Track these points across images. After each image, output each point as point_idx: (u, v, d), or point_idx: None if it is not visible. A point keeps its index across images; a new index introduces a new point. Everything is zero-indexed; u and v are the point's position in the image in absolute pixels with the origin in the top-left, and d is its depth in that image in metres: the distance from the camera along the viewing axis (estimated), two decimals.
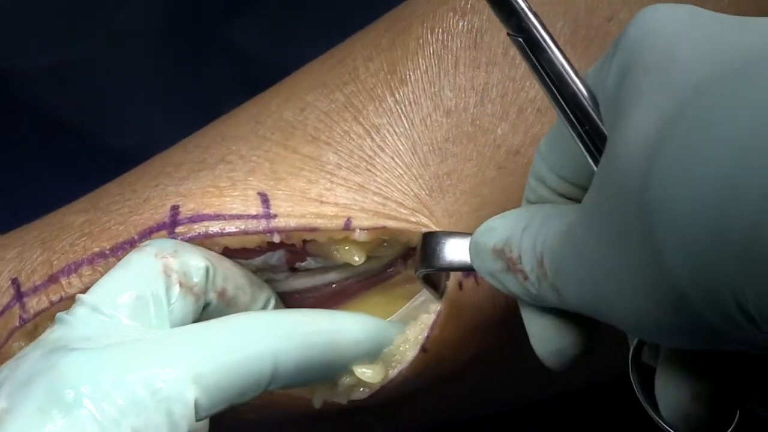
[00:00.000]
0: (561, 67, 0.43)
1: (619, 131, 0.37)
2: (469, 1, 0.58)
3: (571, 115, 0.43)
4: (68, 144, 0.85)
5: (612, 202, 0.37)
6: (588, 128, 0.42)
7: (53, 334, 0.50)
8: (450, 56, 0.58)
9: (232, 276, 0.55)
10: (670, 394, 0.42)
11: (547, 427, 0.73)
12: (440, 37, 0.58)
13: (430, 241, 0.52)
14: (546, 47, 0.43)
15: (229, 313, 0.53)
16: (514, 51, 0.57)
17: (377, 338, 0.54)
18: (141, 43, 0.86)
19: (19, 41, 0.85)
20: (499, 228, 0.46)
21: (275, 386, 0.50)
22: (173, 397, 0.47)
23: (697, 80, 0.36)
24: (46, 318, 0.56)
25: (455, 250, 0.51)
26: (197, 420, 0.48)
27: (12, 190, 0.84)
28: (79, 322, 0.50)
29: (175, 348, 0.49)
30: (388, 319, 0.58)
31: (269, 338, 0.50)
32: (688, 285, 0.35)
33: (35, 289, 0.56)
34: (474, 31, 0.58)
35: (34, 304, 0.56)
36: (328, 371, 0.53)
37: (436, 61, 0.58)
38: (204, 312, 0.53)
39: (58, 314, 0.51)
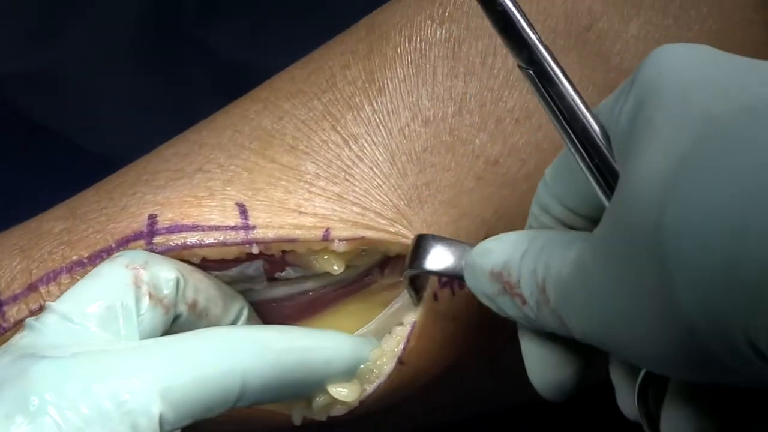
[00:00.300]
0: (572, 101, 0.44)
1: (633, 166, 0.38)
2: (447, 10, 0.58)
3: (581, 148, 0.43)
4: (47, 147, 0.85)
5: (624, 237, 0.38)
6: (598, 162, 0.43)
7: (22, 341, 0.50)
8: (428, 65, 0.57)
9: (203, 288, 0.55)
10: (676, 427, 0.42)
11: (544, 424, 0.74)
12: (418, 46, 0.58)
13: (422, 244, 0.52)
14: (557, 81, 0.44)
15: (200, 326, 0.54)
16: (492, 60, 0.57)
17: (351, 357, 0.54)
18: (119, 45, 0.86)
19: None
20: (497, 250, 0.47)
21: (243, 404, 0.50)
22: (138, 410, 0.47)
23: (709, 121, 0.36)
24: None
25: (445, 256, 0.51)
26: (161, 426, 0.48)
27: None
28: (49, 330, 0.50)
29: (143, 360, 0.49)
30: (365, 326, 0.58)
31: (239, 355, 0.50)
32: (699, 322, 0.35)
33: (14, 298, 0.56)
34: (452, 40, 0.58)
35: (14, 312, 0.56)
36: (299, 390, 0.53)
37: (414, 71, 0.58)
38: (174, 324, 0.53)
39: (28, 320, 0.51)
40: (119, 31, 0.85)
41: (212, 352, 0.50)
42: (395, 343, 0.55)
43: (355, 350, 0.55)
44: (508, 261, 0.46)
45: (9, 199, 0.77)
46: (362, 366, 0.55)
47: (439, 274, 0.52)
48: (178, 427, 0.49)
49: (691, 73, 0.39)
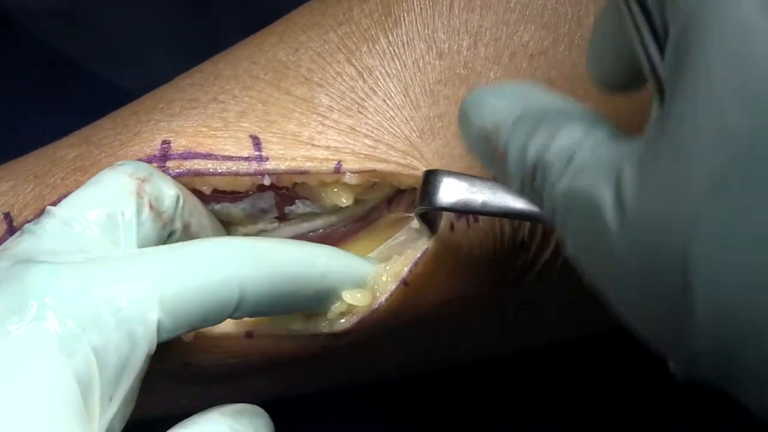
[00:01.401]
0: None
1: (678, 106, 0.34)
2: None
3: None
4: (72, 82, 0.85)
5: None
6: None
7: (20, 246, 0.49)
8: None
9: (197, 213, 0.55)
10: None
11: (540, 373, 0.74)
12: None
13: (431, 180, 0.51)
14: None
15: None
16: None
17: (347, 270, 0.54)
18: None
19: None
20: (489, 107, 0.42)
21: (240, 314, 0.50)
22: (135, 318, 0.47)
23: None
24: None
25: (456, 190, 0.51)
26: (159, 342, 0.48)
27: (16, 127, 0.84)
28: (47, 235, 0.49)
29: (141, 268, 0.48)
30: (368, 255, 0.58)
31: (237, 264, 0.50)
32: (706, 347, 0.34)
33: (27, 223, 0.57)
34: None
35: None
36: (295, 301, 0.53)
37: (431, 3, 0.57)
38: (167, 240, 0.53)
39: (26, 225, 0.50)
40: None
41: (211, 261, 0.49)
42: (402, 264, 0.55)
43: (350, 265, 0.54)
44: (498, 123, 0.41)
45: (32, 131, 0.77)
46: (369, 281, 0.55)
47: (449, 209, 0.52)
48: (174, 335, 0.49)
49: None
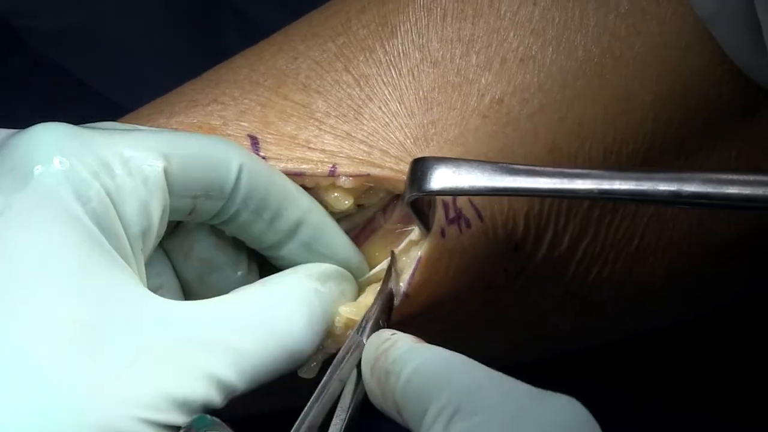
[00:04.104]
0: None
1: None
2: None
3: None
4: (76, 101, 0.86)
5: None
6: None
7: None
8: (439, 9, 0.59)
9: None
10: None
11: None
12: None
13: (418, 167, 0.53)
14: None
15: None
16: (498, 3, 0.58)
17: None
18: (157, 3, 0.88)
19: (36, 1, 0.87)
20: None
21: (235, 199, 0.52)
22: (145, 166, 0.49)
23: None
24: None
25: (443, 175, 0.52)
26: (169, 193, 0.50)
27: None
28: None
29: (146, 135, 0.51)
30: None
31: (235, 147, 0.53)
32: None
33: None
34: None
35: None
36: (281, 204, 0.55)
37: (425, 14, 0.59)
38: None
39: None
40: None
41: (211, 140, 0.53)
42: (403, 277, 0.57)
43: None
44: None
45: None
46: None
47: (438, 194, 0.53)
48: (181, 194, 0.51)
49: None
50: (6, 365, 0.44)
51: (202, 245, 0.55)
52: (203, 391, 0.47)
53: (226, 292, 0.52)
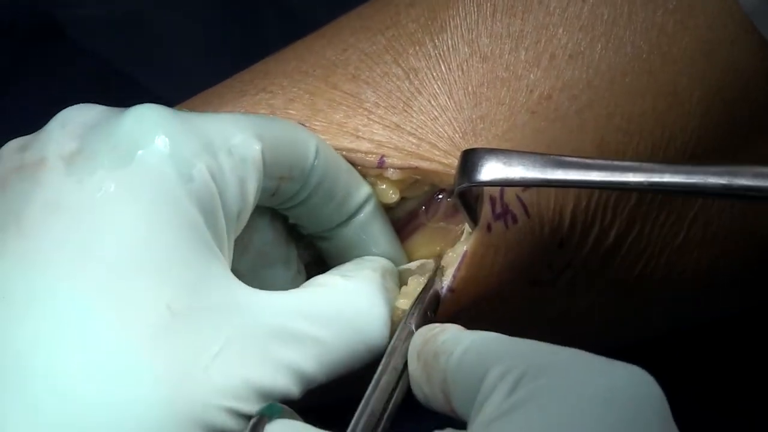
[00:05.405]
0: None
1: None
2: None
3: None
4: (125, 94, 0.87)
5: None
6: None
7: None
8: (488, 4, 0.59)
9: None
10: None
11: None
12: None
13: (469, 158, 0.53)
14: None
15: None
16: None
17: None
18: None
19: None
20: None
21: (311, 180, 0.54)
22: (243, 145, 0.50)
23: None
24: None
25: (494, 167, 0.52)
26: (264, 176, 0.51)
27: None
28: None
29: (239, 116, 0.52)
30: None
31: (310, 131, 0.55)
32: None
33: None
34: None
35: None
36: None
37: (475, 9, 0.60)
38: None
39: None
40: None
41: (291, 124, 0.55)
42: (449, 271, 0.57)
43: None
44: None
45: None
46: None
47: (489, 184, 0.53)
48: (271, 176, 0.51)
49: None
50: (94, 351, 0.44)
51: (261, 237, 0.55)
52: (285, 381, 0.47)
53: (277, 288, 0.52)
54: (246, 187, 0.50)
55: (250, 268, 0.54)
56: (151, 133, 0.47)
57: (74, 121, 0.49)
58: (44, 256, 0.45)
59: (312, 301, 0.51)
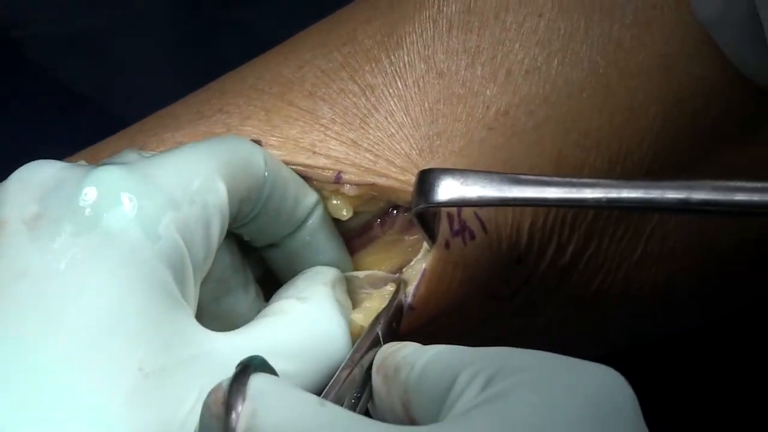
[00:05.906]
0: None
1: None
2: None
3: None
4: (83, 112, 0.87)
5: None
6: None
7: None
8: (444, 20, 0.59)
9: None
10: None
11: None
12: (436, 2, 0.60)
13: (426, 178, 0.53)
14: None
15: None
16: (504, 14, 0.59)
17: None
18: (158, 17, 0.88)
19: (36, 9, 0.87)
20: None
21: (266, 187, 0.53)
22: (204, 189, 0.49)
23: None
24: None
25: (451, 187, 0.52)
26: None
27: (25, 157, 0.85)
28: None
29: (194, 154, 0.51)
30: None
31: (253, 143, 0.54)
32: None
33: None
34: None
35: None
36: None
37: (431, 25, 0.59)
38: None
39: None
40: (160, 2, 0.88)
41: (241, 143, 0.54)
42: (408, 290, 0.57)
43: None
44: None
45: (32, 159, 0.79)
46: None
47: (446, 205, 0.53)
48: (234, 202, 0.51)
49: None
50: (68, 422, 0.43)
51: (219, 263, 0.54)
52: None
53: (238, 314, 0.53)
54: (211, 232, 0.49)
55: (211, 298, 0.54)
56: (114, 196, 0.47)
57: (32, 181, 0.48)
58: (11, 327, 0.44)
59: (275, 338, 0.50)
